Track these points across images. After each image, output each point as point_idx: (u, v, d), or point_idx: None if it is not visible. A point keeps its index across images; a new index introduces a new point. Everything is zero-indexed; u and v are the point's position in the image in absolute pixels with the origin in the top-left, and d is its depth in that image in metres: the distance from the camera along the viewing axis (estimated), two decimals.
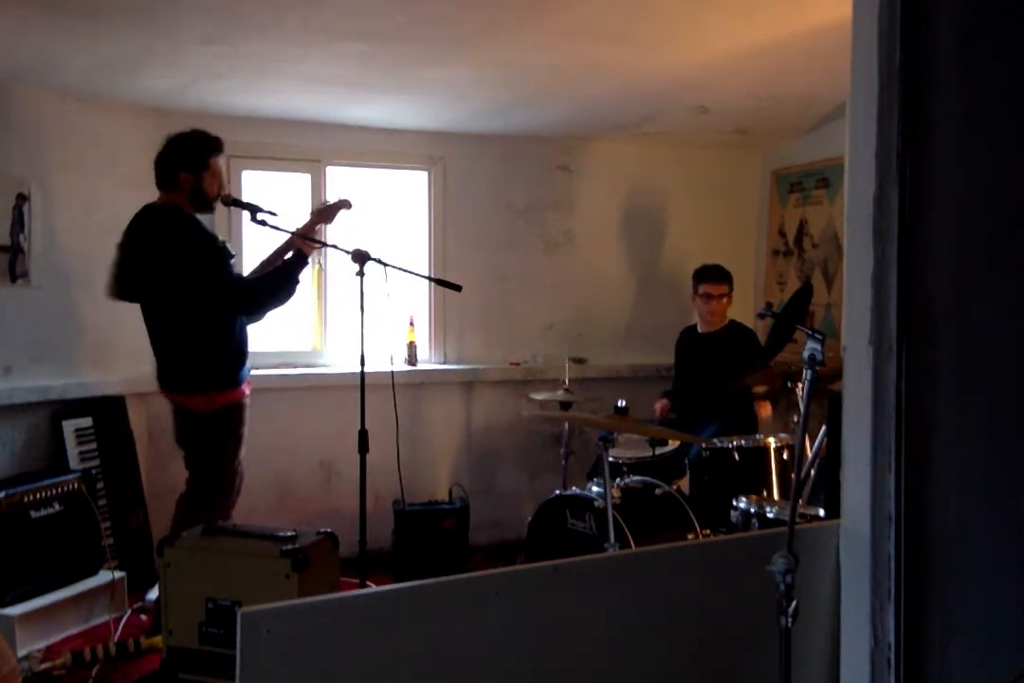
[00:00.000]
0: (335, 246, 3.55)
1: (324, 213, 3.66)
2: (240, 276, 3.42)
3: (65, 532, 3.60)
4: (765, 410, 4.15)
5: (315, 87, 3.89)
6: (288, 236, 3.57)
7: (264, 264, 3.70)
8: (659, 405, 4.49)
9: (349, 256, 3.43)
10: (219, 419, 3.41)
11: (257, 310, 3.47)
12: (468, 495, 4.43)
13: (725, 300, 4.41)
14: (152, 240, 3.34)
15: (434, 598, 1.71)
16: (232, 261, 3.48)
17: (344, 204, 3.67)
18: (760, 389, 3.84)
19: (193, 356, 3.39)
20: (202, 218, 3.53)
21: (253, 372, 4.44)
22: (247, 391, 3.53)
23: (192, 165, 3.39)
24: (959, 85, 1.70)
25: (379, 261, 3.46)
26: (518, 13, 2.96)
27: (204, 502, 3.45)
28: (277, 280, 3.45)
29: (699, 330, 4.53)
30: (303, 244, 3.49)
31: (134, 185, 4.26)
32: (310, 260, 3.56)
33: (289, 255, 3.55)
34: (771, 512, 3.07)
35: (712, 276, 4.41)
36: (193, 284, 3.28)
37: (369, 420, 3.46)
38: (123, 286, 3.43)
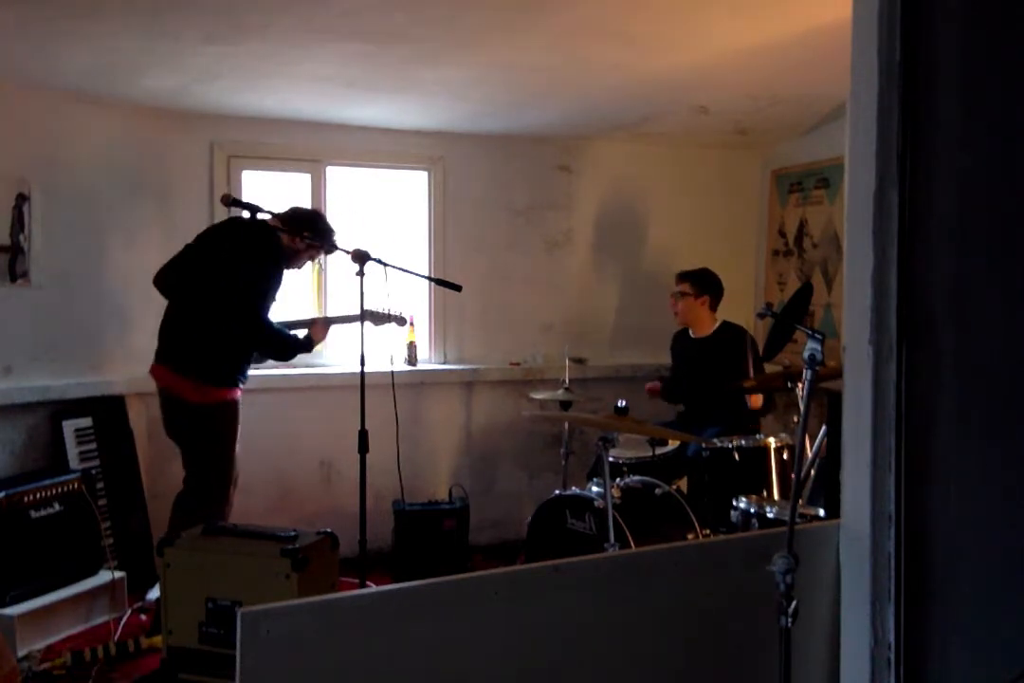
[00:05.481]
0: (335, 246, 3.56)
1: (377, 317, 3.85)
2: (266, 320, 3.62)
3: (65, 532, 3.60)
4: (755, 400, 4.14)
5: (315, 87, 3.89)
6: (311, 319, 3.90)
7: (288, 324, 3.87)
8: (650, 384, 4.53)
9: (349, 256, 3.44)
10: (212, 413, 3.52)
11: (251, 349, 3.66)
12: (468, 495, 4.43)
13: (690, 299, 4.36)
14: (242, 242, 3.55)
15: (434, 598, 1.71)
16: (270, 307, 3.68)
17: (400, 321, 3.90)
18: (749, 384, 3.83)
19: (220, 349, 3.53)
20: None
21: (253, 372, 4.46)
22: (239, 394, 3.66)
23: (319, 238, 3.67)
24: (959, 85, 1.70)
25: (379, 261, 3.47)
26: (518, 13, 2.96)
27: (199, 501, 3.52)
28: (280, 344, 3.67)
29: (691, 333, 4.52)
30: (318, 334, 3.74)
31: (134, 185, 4.27)
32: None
33: (303, 334, 3.78)
34: (771, 512, 3.07)
35: (679, 274, 4.43)
36: (240, 301, 3.49)
37: (369, 420, 3.46)
38: (176, 278, 3.65)
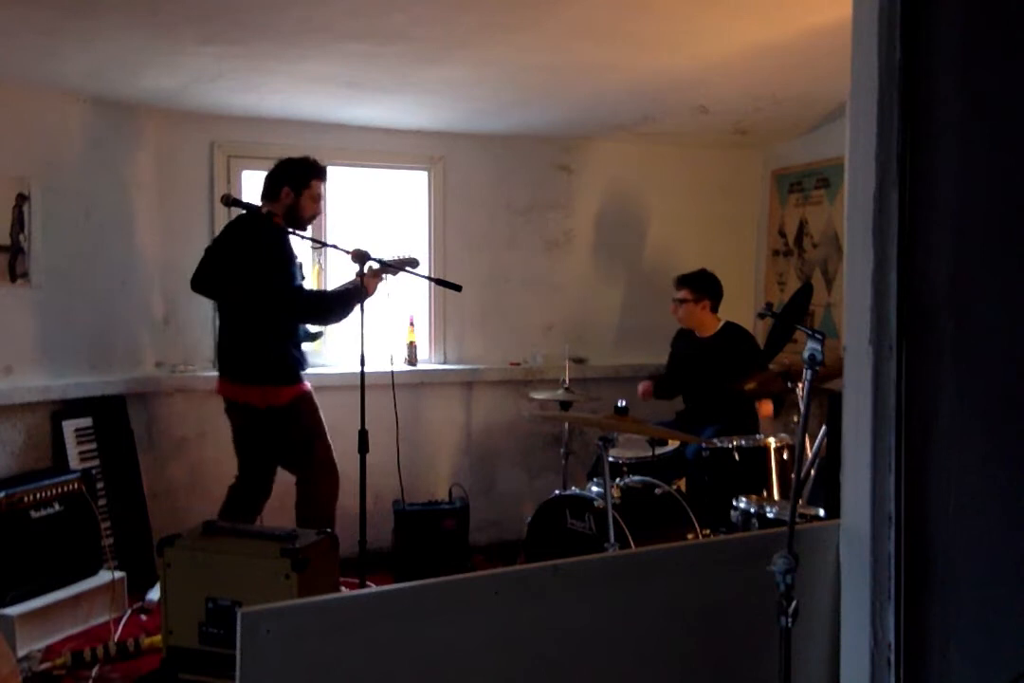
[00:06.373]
0: (335, 246, 3.56)
1: (390, 266, 3.75)
2: (302, 287, 3.66)
3: (65, 532, 3.60)
4: (766, 408, 4.12)
5: (315, 87, 3.89)
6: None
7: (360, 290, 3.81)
8: (642, 386, 4.51)
9: (349, 256, 3.43)
10: (288, 413, 3.60)
11: (306, 321, 3.70)
12: (468, 495, 4.43)
13: (690, 305, 4.36)
14: (242, 240, 3.59)
15: (434, 598, 1.71)
16: (303, 282, 3.69)
17: (412, 263, 3.79)
18: (751, 385, 3.83)
19: (269, 347, 3.58)
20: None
21: None
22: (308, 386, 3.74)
23: (295, 182, 3.65)
24: (959, 85, 1.70)
25: (379, 261, 3.47)
26: (518, 13, 2.96)
27: (313, 502, 3.68)
28: (332, 302, 3.67)
29: (695, 334, 4.51)
30: (370, 282, 3.66)
31: (134, 185, 4.27)
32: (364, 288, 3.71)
33: (351, 283, 3.73)
34: (771, 512, 3.07)
35: (677, 280, 4.42)
36: (263, 284, 3.51)
37: (369, 420, 3.46)
38: (206, 281, 3.69)
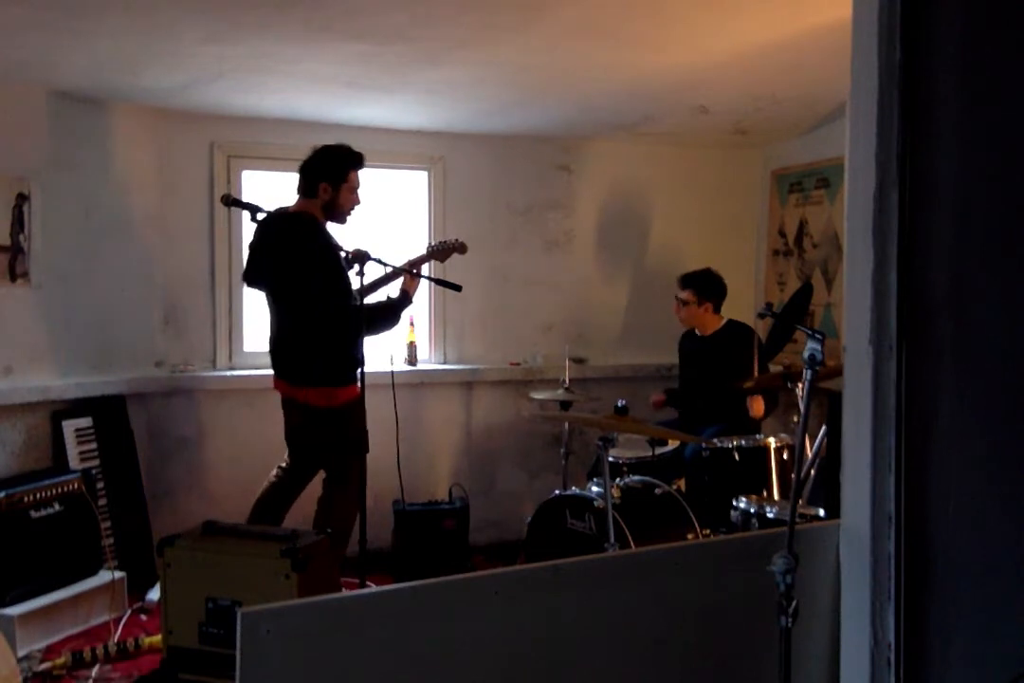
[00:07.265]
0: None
1: (439, 252, 3.77)
2: (351, 301, 3.52)
3: (65, 532, 3.61)
4: (757, 406, 4.08)
5: (315, 87, 3.89)
6: (390, 271, 3.69)
7: (361, 290, 3.61)
8: (655, 396, 4.53)
9: (349, 256, 3.43)
10: (344, 415, 3.51)
11: (355, 335, 3.47)
12: (468, 495, 4.43)
13: (693, 307, 4.37)
14: (286, 245, 3.47)
15: (434, 598, 1.71)
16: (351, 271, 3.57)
17: (461, 248, 3.79)
18: (749, 384, 3.82)
19: (327, 350, 3.49)
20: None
21: (254, 372, 4.45)
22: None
23: (333, 176, 3.52)
24: (959, 85, 1.70)
25: (379, 261, 3.47)
26: (518, 13, 2.96)
27: (340, 505, 3.59)
28: (381, 315, 3.59)
29: (697, 333, 4.52)
30: (411, 286, 3.63)
31: (134, 185, 4.28)
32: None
33: (396, 294, 3.68)
34: (771, 512, 3.07)
35: (679, 280, 4.43)
36: (311, 294, 3.43)
37: (369, 420, 3.46)
38: (254, 276, 3.62)
